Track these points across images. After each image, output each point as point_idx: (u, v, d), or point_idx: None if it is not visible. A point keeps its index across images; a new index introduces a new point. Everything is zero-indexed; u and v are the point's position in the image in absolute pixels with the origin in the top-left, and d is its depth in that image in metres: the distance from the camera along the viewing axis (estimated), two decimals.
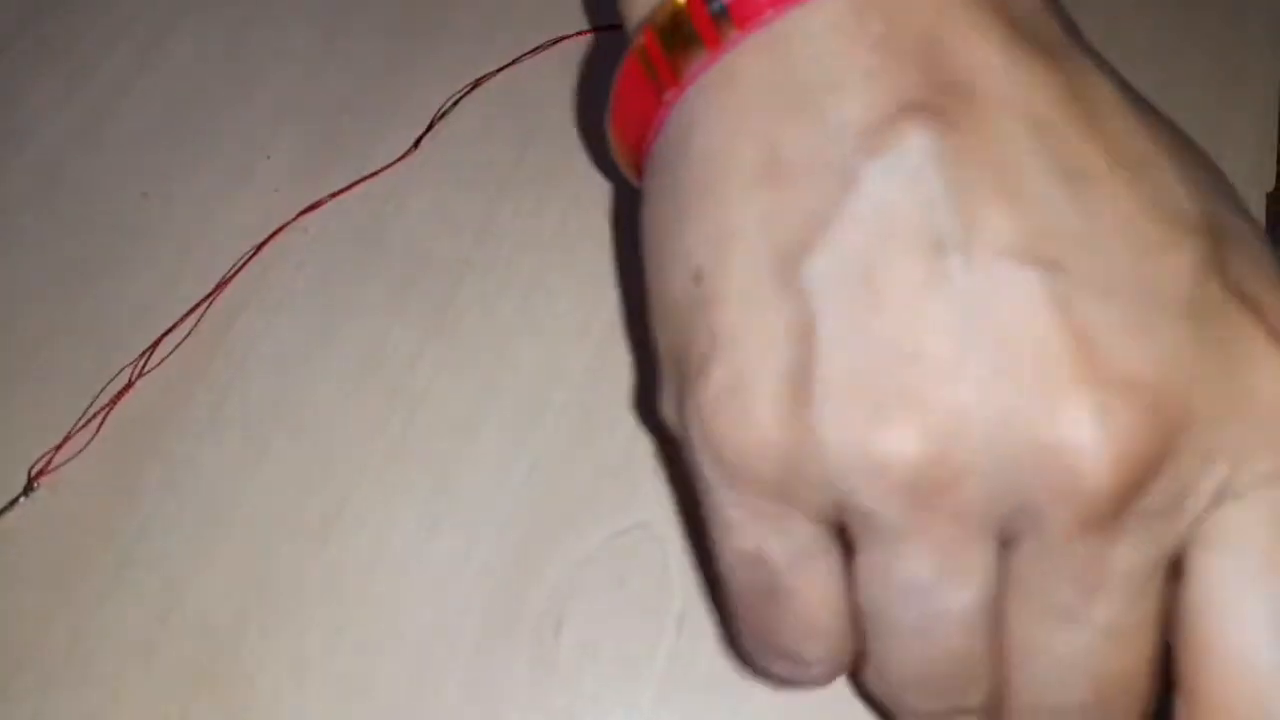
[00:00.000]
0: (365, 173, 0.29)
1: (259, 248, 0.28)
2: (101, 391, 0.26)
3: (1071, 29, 0.17)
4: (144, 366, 0.26)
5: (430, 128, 0.29)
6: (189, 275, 0.27)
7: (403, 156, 0.29)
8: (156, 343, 0.26)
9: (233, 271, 0.27)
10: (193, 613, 0.23)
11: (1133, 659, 0.16)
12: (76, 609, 0.23)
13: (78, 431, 0.25)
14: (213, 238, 0.28)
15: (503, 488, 0.24)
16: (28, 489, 0.25)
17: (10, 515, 0.24)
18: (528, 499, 0.24)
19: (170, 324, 0.26)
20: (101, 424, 0.25)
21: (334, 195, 0.28)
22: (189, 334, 0.26)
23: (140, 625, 0.23)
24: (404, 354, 0.26)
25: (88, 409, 0.25)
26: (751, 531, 0.16)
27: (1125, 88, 0.17)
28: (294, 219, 0.28)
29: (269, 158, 0.29)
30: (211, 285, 0.27)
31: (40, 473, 0.25)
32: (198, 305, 0.27)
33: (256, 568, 0.24)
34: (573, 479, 0.24)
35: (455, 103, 0.30)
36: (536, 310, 0.27)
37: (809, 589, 0.16)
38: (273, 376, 0.26)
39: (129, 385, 0.26)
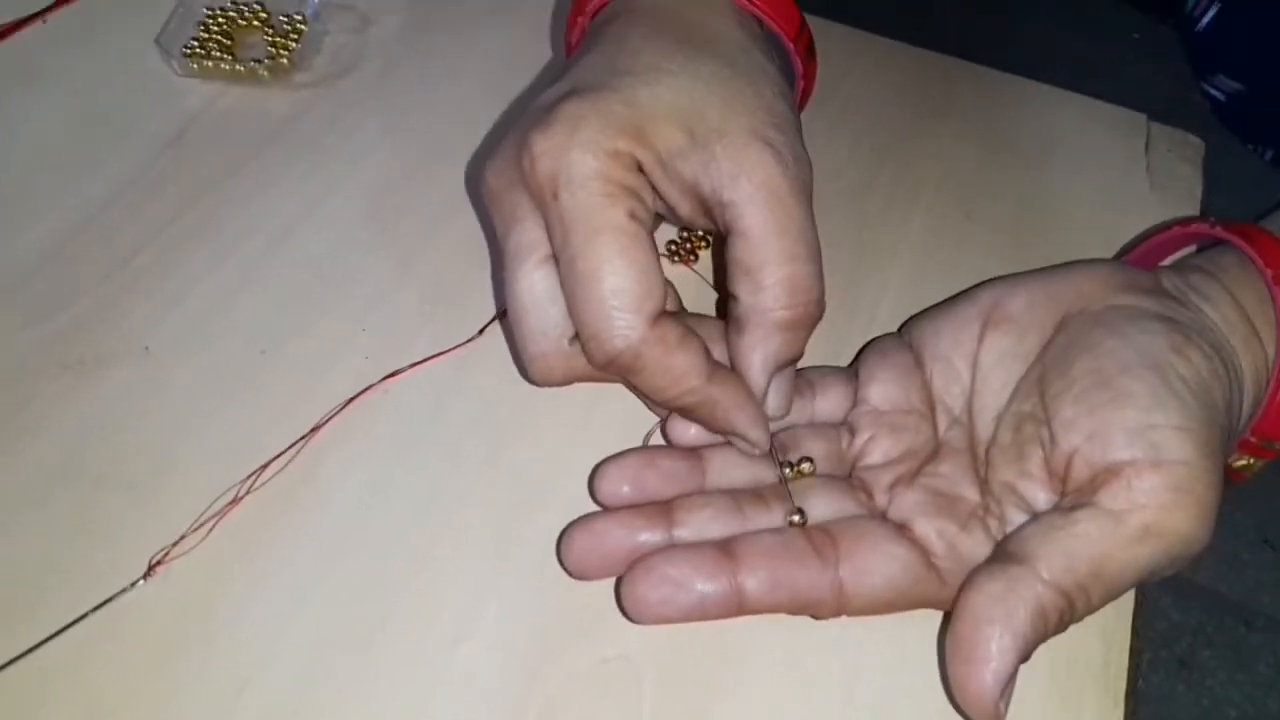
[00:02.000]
0: (438, 350, 0.36)
1: (349, 401, 0.35)
2: (214, 502, 0.32)
3: None
4: (250, 487, 0.33)
5: (493, 320, 0.37)
6: (291, 418, 0.34)
7: (469, 340, 0.37)
8: (262, 468, 0.33)
9: (326, 418, 0.35)
10: (261, 692, 0.29)
11: None
12: (170, 677, 0.29)
13: (191, 533, 0.32)
14: (312, 390, 0.35)
15: (519, 610, 0.31)
16: (146, 574, 0.31)
17: (130, 594, 0.31)
18: (539, 622, 0.31)
19: (273, 455, 0.33)
20: (211, 529, 0.32)
21: (413, 365, 0.36)
22: (286, 465, 0.33)
23: (218, 697, 0.29)
24: (452, 497, 0.33)
25: (202, 515, 0.32)
26: None
27: None
28: (379, 381, 0.35)
29: (364, 331, 0.37)
30: (308, 427, 0.34)
31: (158, 563, 0.31)
32: (297, 442, 0.34)
33: (315, 663, 0.30)
34: (573, 610, 0.31)
35: None
36: (558, 473, 0.34)
37: None
38: (348, 505, 0.33)
39: (236, 500, 0.33)
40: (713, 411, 0.30)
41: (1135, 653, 0.30)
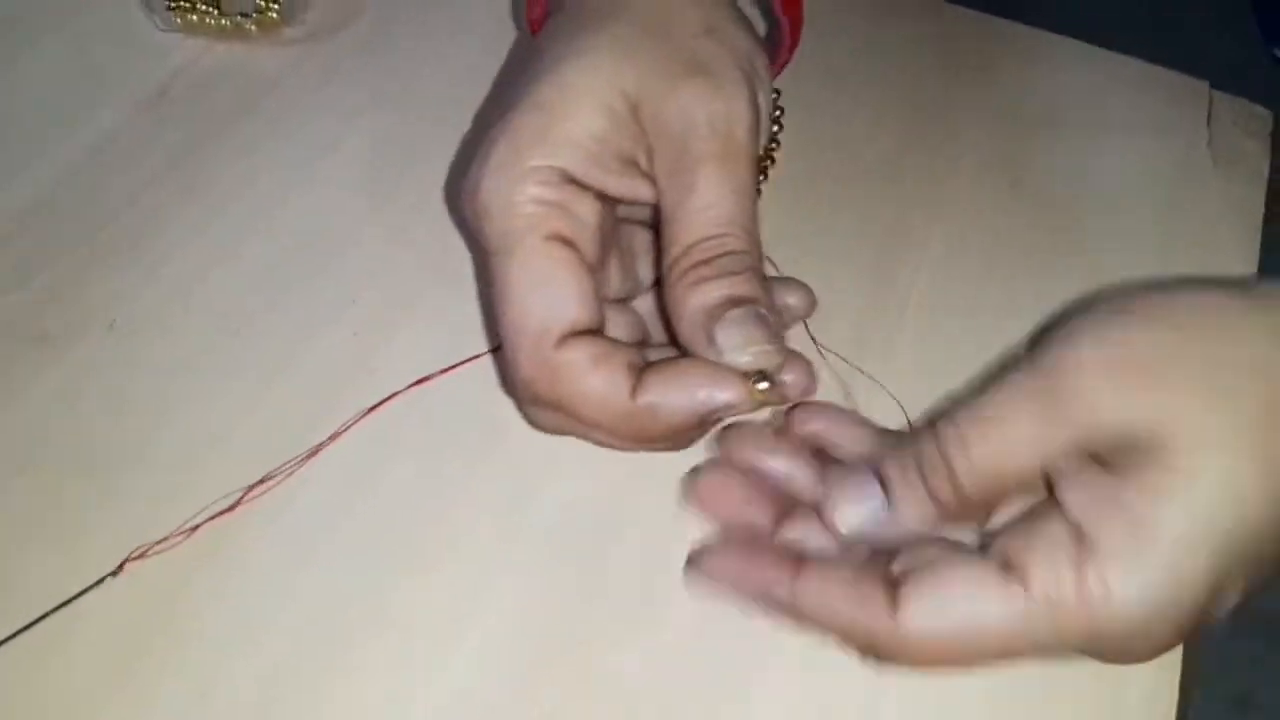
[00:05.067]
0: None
1: (372, 409, 0.32)
2: (206, 508, 0.30)
3: None
4: (247, 495, 0.30)
5: None
6: (267, 399, 0.32)
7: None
8: (264, 479, 0.30)
9: (344, 427, 0.32)
10: (225, 704, 0.27)
11: None
12: (131, 681, 0.27)
13: (178, 534, 0.29)
14: (292, 368, 0.33)
15: (508, 626, 0.29)
16: (116, 571, 0.29)
17: (97, 590, 0.29)
18: (529, 637, 0.28)
19: (278, 463, 0.31)
20: (194, 530, 0.30)
21: (443, 371, 0.33)
22: (287, 475, 0.31)
23: (174, 706, 0.27)
24: (438, 507, 0.31)
25: (193, 517, 0.30)
26: None
27: None
28: (405, 389, 0.32)
29: (354, 303, 0.34)
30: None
31: (136, 557, 0.29)
32: (315, 450, 0.31)
33: (282, 673, 0.28)
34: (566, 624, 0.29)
35: None
36: (552, 477, 0.31)
37: None
38: (326, 511, 0.30)
39: (232, 508, 0.30)
40: (667, 420, 0.27)
41: (1186, 688, 0.27)
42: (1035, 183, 0.39)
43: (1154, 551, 0.23)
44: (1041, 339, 0.26)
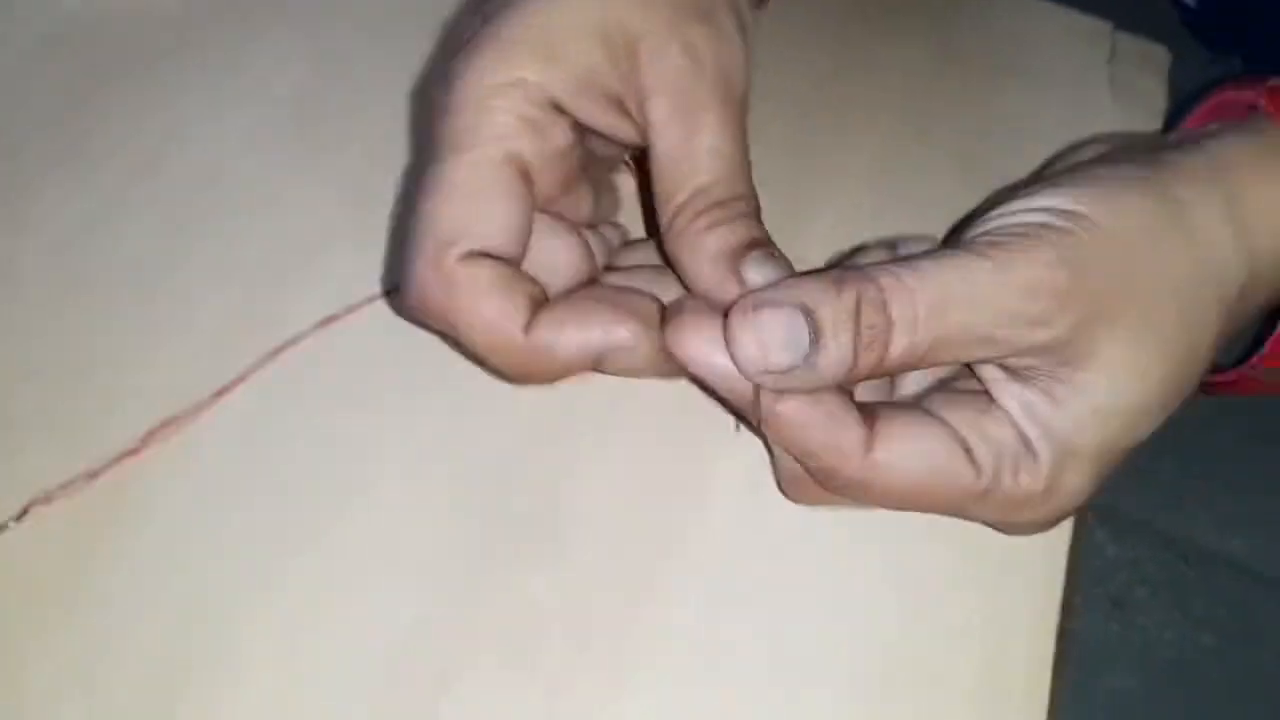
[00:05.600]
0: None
1: (276, 350, 0.32)
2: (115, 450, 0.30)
3: None
4: (151, 438, 0.30)
5: None
6: (171, 352, 0.32)
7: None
8: (167, 423, 0.30)
9: (249, 370, 0.31)
10: (127, 662, 0.27)
11: None
12: (31, 628, 0.27)
13: (82, 479, 0.29)
14: (191, 319, 0.33)
15: (421, 569, 0.29)
16: (20, 515, 0.29)
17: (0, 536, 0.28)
18: (436, 562, 0.29)
19: (184, 406, 0.31)
20: (98, 475, 0.29)
21: (349, 310, 0.33)
22: (192, 418, 0.31)
23: (81, 657, 0.27)
24: (353, 454, 0.31)
25: (106, 464, 0.30)
26: None
27: None
28: (310, 330, 0.32)
29: (261, 254, 0.34)
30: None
31: (34, 504, 0.29)
32: (219, 392, 0.31)
33: (192, 619, 0.28)
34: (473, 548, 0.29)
35: None
36: (473, 427, 0.31)
37: None
38: (241, 462, 0.30)
39: (138, 450, 0.30)
40: (563, 357, 0.26)
41: (1068, 592, 0.29)
42: (941, 130, 0.40)
43: (1080, 468, 0.26)
44: (990, 221, 0.27)
